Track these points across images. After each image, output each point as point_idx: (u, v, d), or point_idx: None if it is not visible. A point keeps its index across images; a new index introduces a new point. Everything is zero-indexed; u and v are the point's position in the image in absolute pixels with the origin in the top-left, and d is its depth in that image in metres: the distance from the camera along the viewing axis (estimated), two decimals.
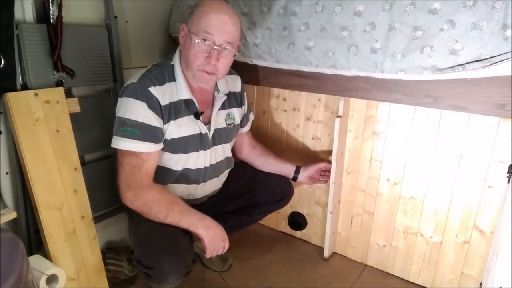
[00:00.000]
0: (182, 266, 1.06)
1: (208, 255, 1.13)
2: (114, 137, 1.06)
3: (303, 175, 1.42)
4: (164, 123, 1.09)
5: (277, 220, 1.75)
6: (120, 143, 1.04)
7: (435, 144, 1.25)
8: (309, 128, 1.54)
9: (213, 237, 1.10)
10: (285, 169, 1.42)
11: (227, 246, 1.15)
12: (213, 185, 1.31)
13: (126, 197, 1.07)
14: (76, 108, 1.20)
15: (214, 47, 1.05)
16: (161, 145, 1.10)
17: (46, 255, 1.10)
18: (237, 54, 1.13)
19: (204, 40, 1.04)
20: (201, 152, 1.18)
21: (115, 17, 1.32)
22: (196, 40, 1.04)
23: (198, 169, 1.21)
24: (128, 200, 1.07)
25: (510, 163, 1.10)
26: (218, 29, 1.04)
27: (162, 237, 1.06)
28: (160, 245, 1.04)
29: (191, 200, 1.26)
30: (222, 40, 1.05)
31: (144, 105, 1.04)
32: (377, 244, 1.47)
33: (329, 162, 1.44)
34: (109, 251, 1.40)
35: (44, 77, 1.14)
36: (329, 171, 1.43)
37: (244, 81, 1.37)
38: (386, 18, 1.07)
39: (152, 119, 1.05)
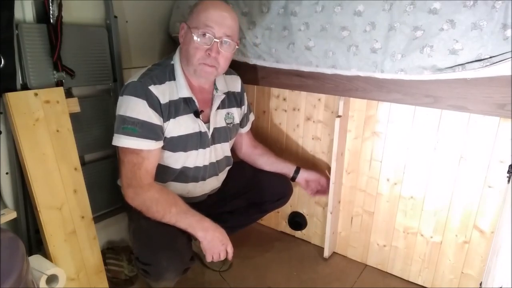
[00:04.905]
0: (179, 263, 1.06)
1: (208, 258, 1.10)
2: (115, 135, 1.07)
3: (302, 175, 1.42)
4: (164, 121, 1.09)
5: (277, 220, 1.75)
6: (121, 141, 1.05)
7: (435, 144, 1.25)
8: (309, 128, 1.54)
9: (211, 240, 1.08)
10: (286, 168, 1.43)
11: (230, 251, 1.11)
12: (213, 183, 1.31)
13: (128, 195, 1.09)
14: (76, 108, 1.20)
15: (214, 39, 1.07)
16: (161, 143, 1.10)
17: (46, 255, 1.10)
18: (237, 47, 1.15)
19: (204, 34, 1.06)
20: (200, 150, 1.19)
21: (115, 17, 1.32)
22: (196, 34, 1.06)
23: (198, 167, 1.21)
24: (129, 198, 1.09)
25: (510, 163, 1.10)
26: (218, 22, 1.07)
27: (161, 234, 1.06)
28: (158, 241, 1.05)
29: (190, 198, 1.26)
30: (222, 33, 1.07)
31: (145, 103, 1.05)
32: (377, 244, 1.47)
33: (328, 178, 1.44)
34: (109, 251, 1.40)
35: (44, 77, 1.14)
36: (327, 188, 1.43)
37: (244, 81, 1.37)
38: (386, 18, 1.07)
39: (152, 117, 1.06)
